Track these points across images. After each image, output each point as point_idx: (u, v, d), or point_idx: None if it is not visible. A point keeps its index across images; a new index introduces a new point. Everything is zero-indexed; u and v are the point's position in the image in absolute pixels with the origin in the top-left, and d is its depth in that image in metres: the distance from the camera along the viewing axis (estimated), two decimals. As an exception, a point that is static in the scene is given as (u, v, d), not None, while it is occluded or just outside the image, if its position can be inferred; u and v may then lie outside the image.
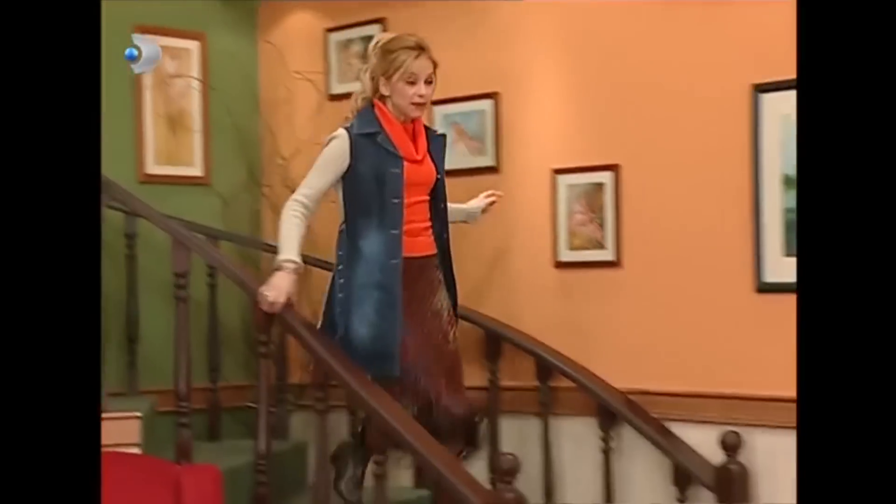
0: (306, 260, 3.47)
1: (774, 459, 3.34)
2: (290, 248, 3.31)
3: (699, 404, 3.44)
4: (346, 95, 3.65)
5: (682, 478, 3.42)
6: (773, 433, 3.32)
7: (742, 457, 3.32)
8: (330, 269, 3.48)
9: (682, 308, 3.55)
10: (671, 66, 3.59)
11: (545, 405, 3.79)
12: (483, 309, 3.93)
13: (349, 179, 3.39)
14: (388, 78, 3.38)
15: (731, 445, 3.31)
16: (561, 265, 3.87)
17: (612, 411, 3.61)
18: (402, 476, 3.78)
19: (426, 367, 3.33)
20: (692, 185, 3.54)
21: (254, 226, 4.65)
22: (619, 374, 3.64)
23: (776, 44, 3.28)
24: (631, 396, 3.60)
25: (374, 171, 3.36)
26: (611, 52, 3.74)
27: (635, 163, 3.69)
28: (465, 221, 3.69)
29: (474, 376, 3.86)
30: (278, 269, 3.30)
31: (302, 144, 4.33)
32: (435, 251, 3.48)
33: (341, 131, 3.41)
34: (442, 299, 3.46)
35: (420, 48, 3.40)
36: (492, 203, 3.68)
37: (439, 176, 3.48)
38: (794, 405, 3.17)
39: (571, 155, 3.81)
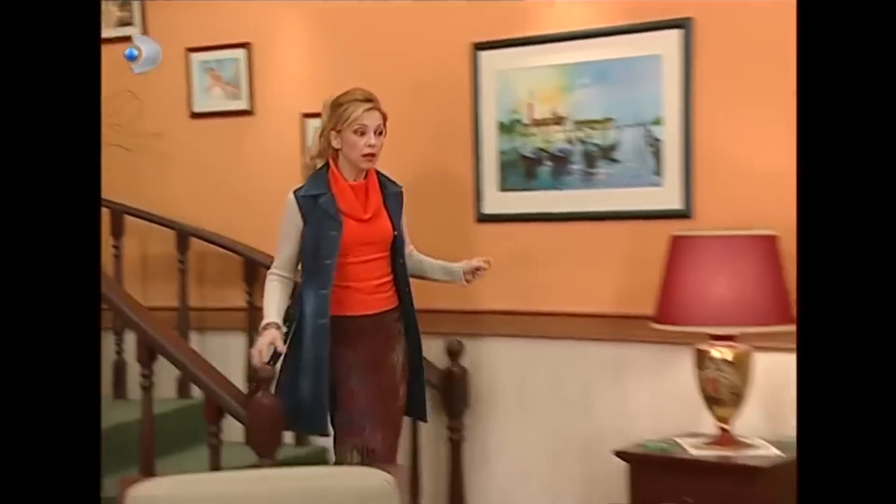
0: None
1: (491, 362, 3.94)
2: (270, 313, 3.35)
3: (432, 318, 3.72)
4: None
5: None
6: (488, 341, 3.93)
7: (463, 361, 3.86)
8: None
9: (418, 236, 4.09)
10: (405, 25, 4.05)
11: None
12: (241, 236, 4.36)
13: (303, 241, 3.42)
14: (339, 131, 3.38)
15: (454, 352, 3.83)
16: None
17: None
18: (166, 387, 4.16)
19: (375, 419, 3.34)
20: (423, 130, 4.02)
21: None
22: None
23: (491, 8, 3.84)
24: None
25: (315, 233, 3.37)
26: (350, 12, 4.16)
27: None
28: (447, 281, 3.57)
29: (235, 298, 4.35)
30: (262, 330, 3.33)
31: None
32: (395, 305, 3.45)
33: (289, 196, 3.42)
34: (399, 353, 3.44)
35: (369, 101, 3.40)
36: (477, 269, 3.47)
37: (396, 232, 3.44)
38: (506, 316, 3.85)
39: (318, 101, 4.23)
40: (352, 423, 3.33)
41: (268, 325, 3.33)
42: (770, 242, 3.17)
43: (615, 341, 3.48)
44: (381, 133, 3.40)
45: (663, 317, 3.26)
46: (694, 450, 3.19)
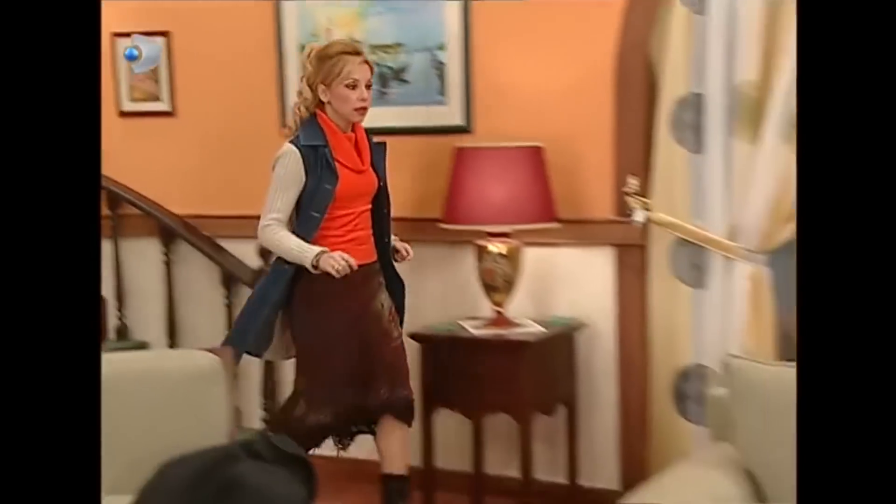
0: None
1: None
2: (308, 246, 3.23)
3: (241, 224, 3.96)
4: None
5: (228, 280, 4.34)
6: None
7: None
8: None
9: (225, 150, 4.40)
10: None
11: (116, 230, 4.49)
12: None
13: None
14: (328, 84, 3.29)
15: (265, 254, 4.11)
16: (124, 114, 4.56)
17: (171, 232, 4.44)
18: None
19: (352, 375, 3.35)
20: (231, 50, 4.31)
21: None
22: (178, 201, 4.43)
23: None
24: (187, 220, 4.42)
25: (312, 184, 3.27)
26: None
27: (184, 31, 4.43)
28: None
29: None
30: (317, 263, 3.20)
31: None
32: (375, 258, 3.44)
33: (288, 147, 3.30)
34: (382, 300, 3.42)
35: (358, 53, 3.34)
36: (399, 255, 3.50)
37: (381, 184, 3.43)
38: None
39: (129, 22, 4.38)
40: (326, 380, 3.34)
41: (319, 253, 3.19)
42: (537, 153, 3.69)
43: (410, 241, 3.67)
44: (370, 86, 3.36)
45: (449, 218, 3.74)
46: (474, 330, 3.71)
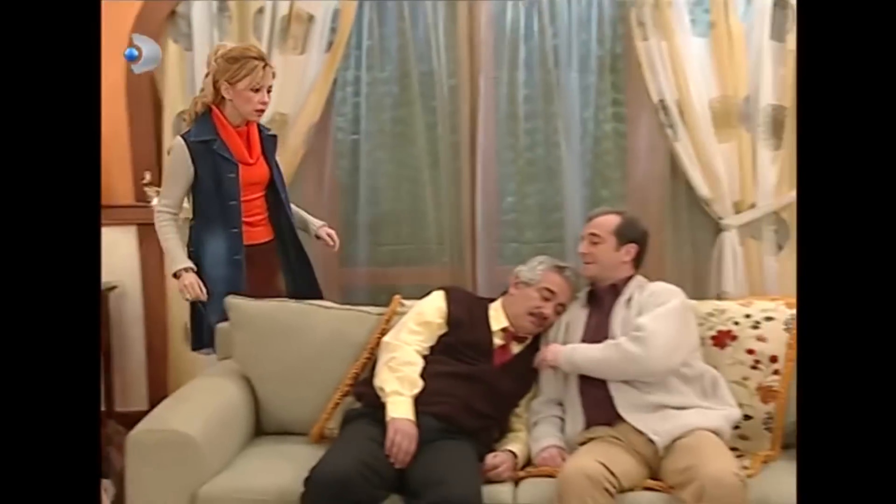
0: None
1: None
2: (179, 256, 3.58)
3: None
4: None
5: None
6: None
7: None
8: None
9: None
10: None
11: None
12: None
13: (195, 183, 3.61)
14: (233, 84, 3.51)
15: None
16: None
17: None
18: None
19: None
20: None
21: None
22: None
23: None
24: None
25: (213, 176, 3.56)
26: None
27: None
28: (302, 230, 3.92)
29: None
30: (179, 275, 3.58)
31: None
32: (272, 237, 3.78)
33: (178, 140, 3.55)
34: (281, 280, 3.80)
35: (263, 59, 3.55)
36: (324, 238, 3.89)
37: (272, 173, 3.70)
38: None
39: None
40: None
41: (186, 269, 3.55)
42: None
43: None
44: (270, 89, 3.61)
45: None
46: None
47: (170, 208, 3.66)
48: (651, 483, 3.11)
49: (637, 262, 3.54)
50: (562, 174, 4.51)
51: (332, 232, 3.94)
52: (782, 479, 3.14)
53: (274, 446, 3.58)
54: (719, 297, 4.30)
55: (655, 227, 4.18)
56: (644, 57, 4.35)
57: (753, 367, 3.47)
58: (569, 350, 3.29)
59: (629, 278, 3.49)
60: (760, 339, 3.48)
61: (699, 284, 4.40)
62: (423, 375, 3.23)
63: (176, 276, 3.61)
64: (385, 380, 3.22)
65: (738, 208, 4.40)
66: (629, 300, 3.40)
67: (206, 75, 3.62)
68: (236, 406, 3.60)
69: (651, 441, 3.12)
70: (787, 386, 3.43)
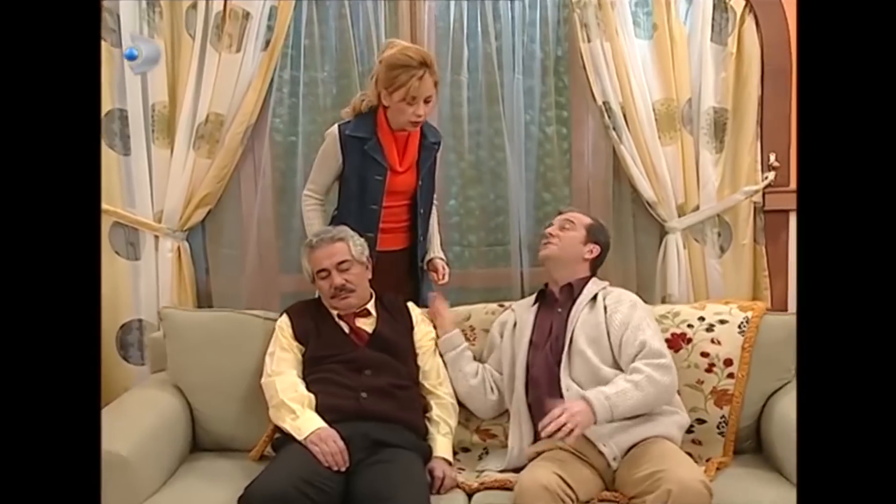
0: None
1: None
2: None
3: None
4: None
5: None
6: None
7: None
8: None
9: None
10: None
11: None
12: None
13: (341, 177, 3.53)
14: (389, 93, 3.36)
15: None
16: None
17: None
18: None
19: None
20: None
21: None
22: None
23: None
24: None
25: (359, 175, 3.46)
26: None
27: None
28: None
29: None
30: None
31: None
32: (406, 246, 3.64)
33: (333, 129, 3.46)
34: (408, 289, 3.66)
35: (424, 66, 3.31)
36: (437, 268, 3.65)
37: (420, 183, 3.54)
38: None
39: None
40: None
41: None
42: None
43: None
44: (430, 101, 3.39)
45: None
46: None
47: (315, 193, 3.63)
48: (607, 495, 3.04)
49: (594, 265, 3.51)
50: (505, 177, 4.44)
51: (447, 268, 3.74)
52: (737, 485, 3.11)
53: (211, 462, 3.46)
54: (664, 301, 4.27)
55: (600, 230, 4.10)
56: (588, 59, 4.30)
57: (708, 371, 3.44)
58: (601, 407, 2.96)
59: (586, 280, 3.45)
60: (715, 341, 3.45)
61: (644, 287, 4.36)
62: (315, 396, 3.21)
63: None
64: (280, 416, 3.18)
65: (682, 211, 4.37)
66: (593, 301, 3.35)
67: (370, 77, 3.53)
68: (171, 421, 3.49)
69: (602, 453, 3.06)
70: (743, 390, 3.40)
